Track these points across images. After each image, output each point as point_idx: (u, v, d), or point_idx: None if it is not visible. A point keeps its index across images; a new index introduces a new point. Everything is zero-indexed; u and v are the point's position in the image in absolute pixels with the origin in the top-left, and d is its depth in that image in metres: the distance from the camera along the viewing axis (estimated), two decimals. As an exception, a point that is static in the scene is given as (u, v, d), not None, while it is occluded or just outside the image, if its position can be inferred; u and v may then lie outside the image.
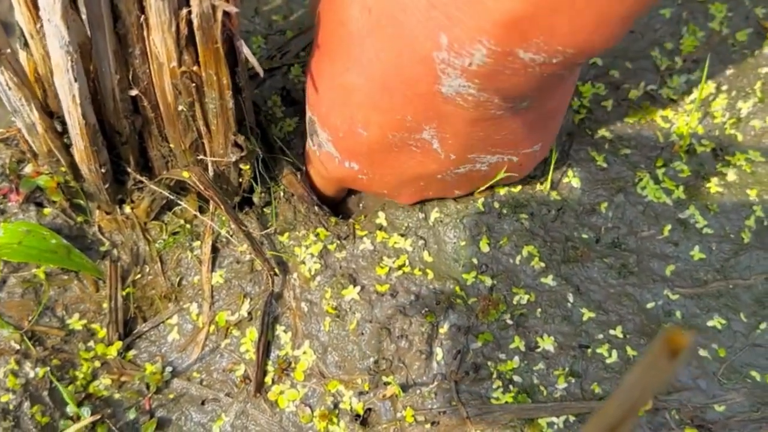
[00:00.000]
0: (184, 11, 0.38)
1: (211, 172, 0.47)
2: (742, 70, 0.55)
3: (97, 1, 0.37)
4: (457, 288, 0.48)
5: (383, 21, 0.37)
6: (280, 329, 0.49)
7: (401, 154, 0.44)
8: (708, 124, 0.53)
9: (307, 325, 0.48)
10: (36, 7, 0.39)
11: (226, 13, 0.38)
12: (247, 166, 0.47)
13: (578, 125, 0.55)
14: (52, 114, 0.46)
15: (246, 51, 0.39)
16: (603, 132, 0.54)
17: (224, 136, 0.45)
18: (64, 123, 0.45)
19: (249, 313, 0.49)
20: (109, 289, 0.48)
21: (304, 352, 0.48)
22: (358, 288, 0.48)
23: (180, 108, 0.43)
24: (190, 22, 0.38)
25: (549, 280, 0.48)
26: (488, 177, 0.48)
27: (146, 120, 0.44)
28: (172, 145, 0.46)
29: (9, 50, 0.39)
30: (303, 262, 0.49)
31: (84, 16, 0.39)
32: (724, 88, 0.54)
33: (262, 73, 0.39)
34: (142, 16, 0.38)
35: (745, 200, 0.51)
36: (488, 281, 0.48)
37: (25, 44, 0.43)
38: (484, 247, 0.49)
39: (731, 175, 0.52)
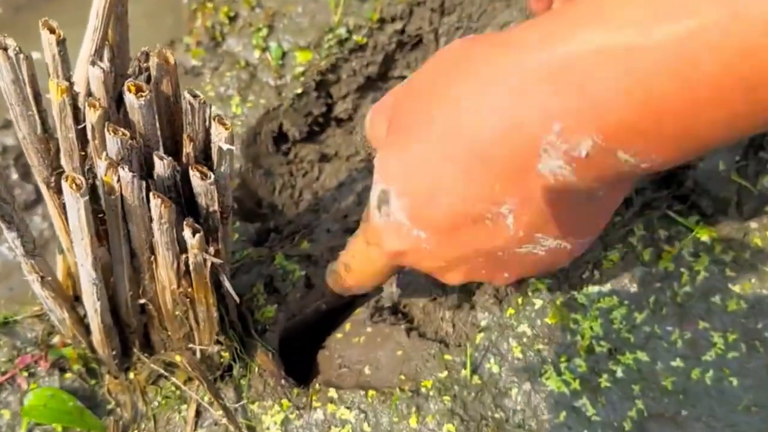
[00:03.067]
0: (183, 256, 0.51)
1: (198, 355, 0.60)
2: (641, 285, 0.67)
3: (119, 247, 0.51)
4: (388, 457, 0.60)
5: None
6: (245, 482, 0.60)
7: (474, 226, 0.47)
8: (607, 329, 0.65)
9: (266, 480, 0.60)
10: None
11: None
12: (226, 354, 0.60)
13: (508, 318, 0.67)
14: (78, 298, 0.59)
15: (227, 285, 0.52)
16: (525, 328, 0.66)
17: (209, 333, 0.57)
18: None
19: (221, 467, 0.61)
20: (110, 440, 0.60)
21: (263, 503, 0.60)
22: (310, 452, 0.60)
23: (177, 313, 0.56)
24: (187, 263, 0.51)
25: (463, 455, 0.60)
26: (539, 264, 0.52)
27: (150, 317, 0.58)
28: (169, 334, 0.59)
29: (50, 278, 0.52)
30: (267, 429, 0.61)
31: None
32: (626, 301, 0.66)
33: (238, 300, 0.52)
34: (152, 256, 0.51)
35: (629, 394, 0.63)
36: (413, 453, 0.60)
37: (62, 251, 0.57)
38: (413, 423, 0.61)
39: (620, 372, 0.64)
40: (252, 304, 0.67)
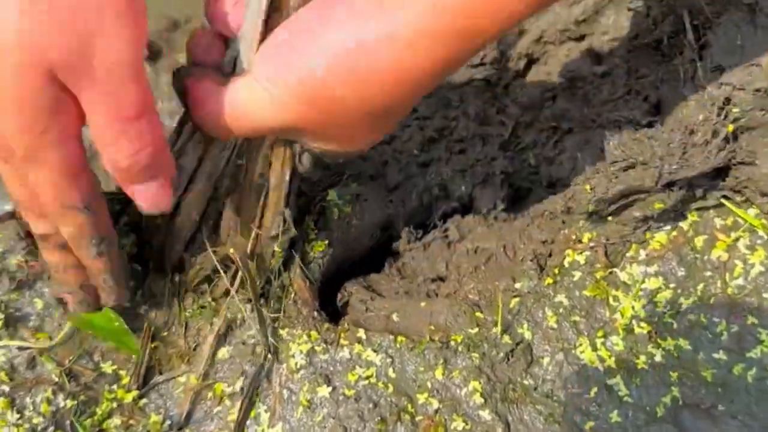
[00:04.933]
0: None
1: (249, 248, 0.60)
2: (691, 271, 0.64)
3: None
4: (409, 405, 0.59)
5: None
6: (262, 408, 0.60)
7: None
8: (650, 311, 0.63)
9: (284, 409, 0.59)
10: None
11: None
12: (280, 250, 0.60)
13: (545, 287, 0.66)
14: None
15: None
16: (562, 298, 0.65)
17: (273, 210, 0.59)
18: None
19: (242, 389, 0.60)
20: (141, 344, 0.60)
21: (276, 432, 0.59)
22: (331, 388, 0.59)
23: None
24: None
25: (486, 414, 0.59)
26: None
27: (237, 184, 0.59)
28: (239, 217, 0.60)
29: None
30: (293, 356, 0.61)
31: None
32: (672, 285, 0.64)
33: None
34: None
35: (666, 380, 0.61)
36: (435, 404, 0.59)
37: None
38: (439, 375, 0.60)
39: (658, 357, 0.61)
40: (305, 236, 0.67)
